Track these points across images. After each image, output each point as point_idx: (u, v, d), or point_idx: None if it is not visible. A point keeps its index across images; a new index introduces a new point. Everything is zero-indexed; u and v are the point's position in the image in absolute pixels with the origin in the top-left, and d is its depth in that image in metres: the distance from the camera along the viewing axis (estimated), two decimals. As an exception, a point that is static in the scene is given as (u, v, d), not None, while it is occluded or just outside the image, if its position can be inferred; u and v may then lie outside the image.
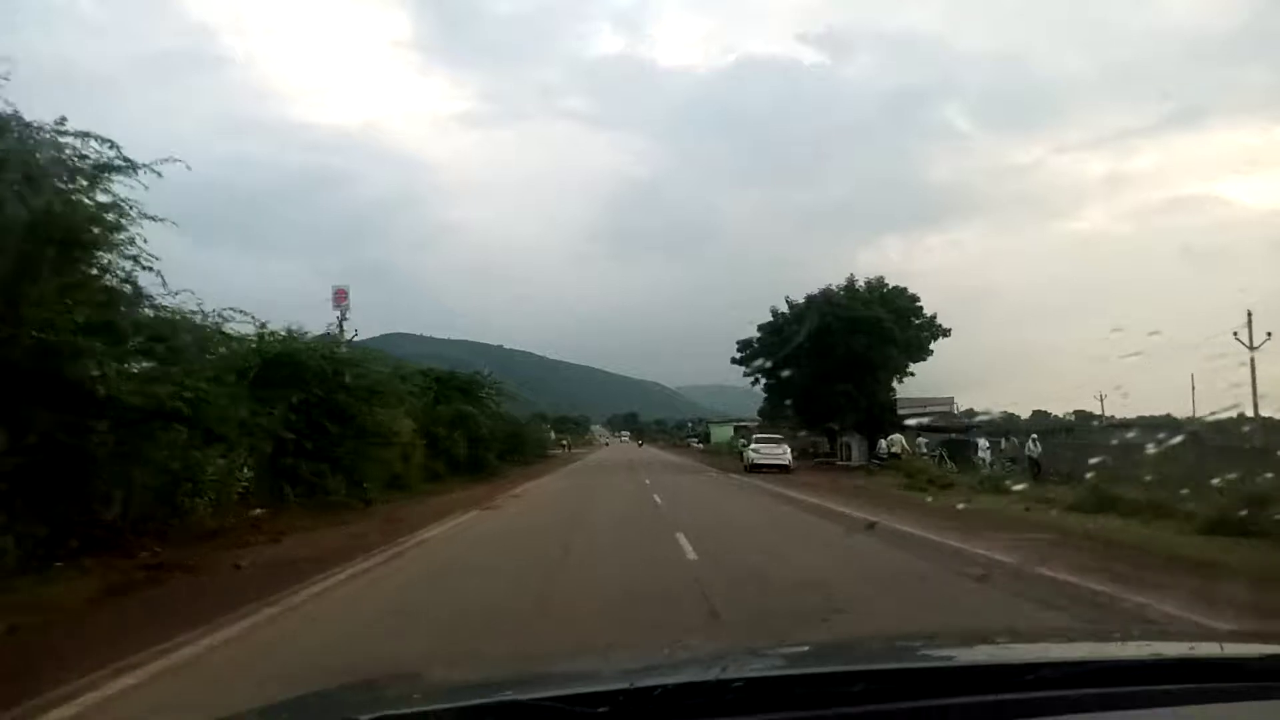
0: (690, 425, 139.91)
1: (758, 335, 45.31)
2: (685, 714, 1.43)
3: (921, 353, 42.72)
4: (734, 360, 46.43)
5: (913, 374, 43.05)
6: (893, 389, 43.27)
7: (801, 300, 43.64)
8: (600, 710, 1.36)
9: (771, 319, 44.71)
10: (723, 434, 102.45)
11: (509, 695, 1.57)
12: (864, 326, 40.64)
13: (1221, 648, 2.12)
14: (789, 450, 37.71)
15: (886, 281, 42.80)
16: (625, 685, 1.47)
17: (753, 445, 39.73)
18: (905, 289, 42.69)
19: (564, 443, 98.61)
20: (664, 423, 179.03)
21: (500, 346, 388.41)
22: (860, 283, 43.01)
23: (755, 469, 37.76)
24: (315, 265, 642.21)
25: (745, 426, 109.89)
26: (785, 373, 43.39)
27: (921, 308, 42.87)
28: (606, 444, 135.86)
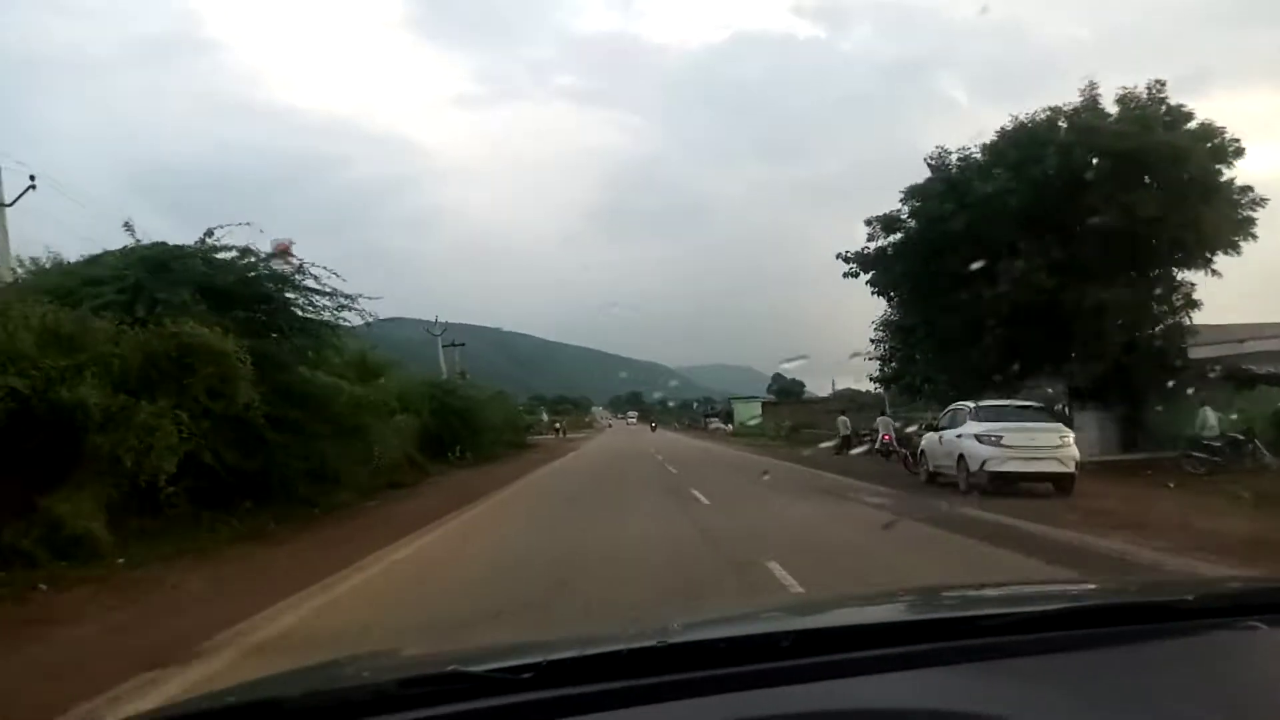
0: (709, 404, 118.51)
1: (900, 214, 23.56)
2: (605, 678, 1.41)
3: (1239, 234, 21.17)
4: (849, 274, 24.60)
5: (1218, 273, 21.51)
6: (1187, 307, 21.84)
7: (990, 137, 22.04)
8: (524, 676, 1.38)
9: (932, 172, 23.07)
10: (748, 411, 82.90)
11: (438, 668, 1.50)
12: (1158, 167, 19.34)
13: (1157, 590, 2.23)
14: (1070, 439, 15.69)
15: (1166, 95, 21.16)
16: (541, 658, 1.46)
17: (972, 430, 16.17)
18: (1206, 122, 21.06)
19: (557, 426, 78.04)
20: (665, 402, 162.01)
21: (498, 329, 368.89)
22: (1112, 99, 21.37)
23: (936, 479, 17.88)
24: (308, 249, 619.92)
25: (771, 402, 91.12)
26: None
27: (1232, 147, 21.20)
28: (609, 425, 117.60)
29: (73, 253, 15.43)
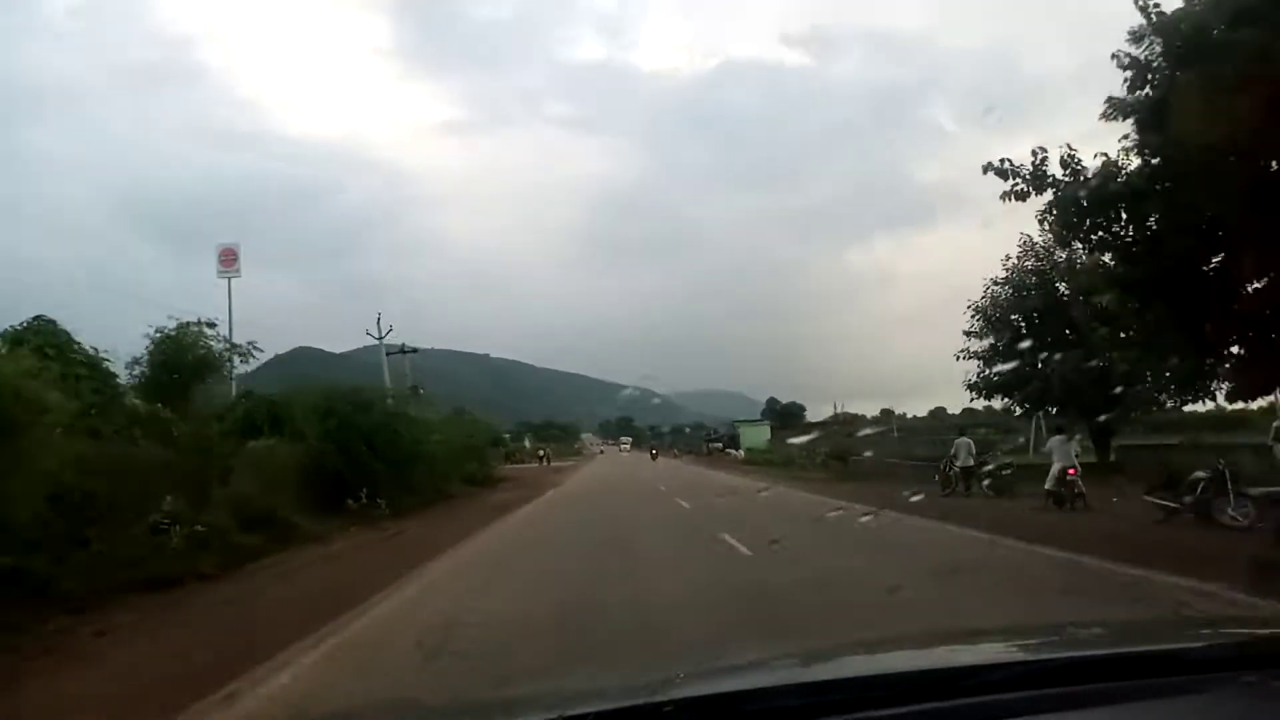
0: (711, 430, 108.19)
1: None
2: None
3: None
4: (1016, 194, 13.73)
5: None
6: None
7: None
8: None
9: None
10: (756, 436, 72.02)
11: None
12: None
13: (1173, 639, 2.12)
14: None
15: None
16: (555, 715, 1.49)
17: None
18: None
19: (541, 454, 67.32)
20: (658, 428, 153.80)
21: (487, 355, 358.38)
22: None
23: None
24: (299, 276, 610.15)
25: (775, 426, 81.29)
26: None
27: None
28: (600, 452, 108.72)
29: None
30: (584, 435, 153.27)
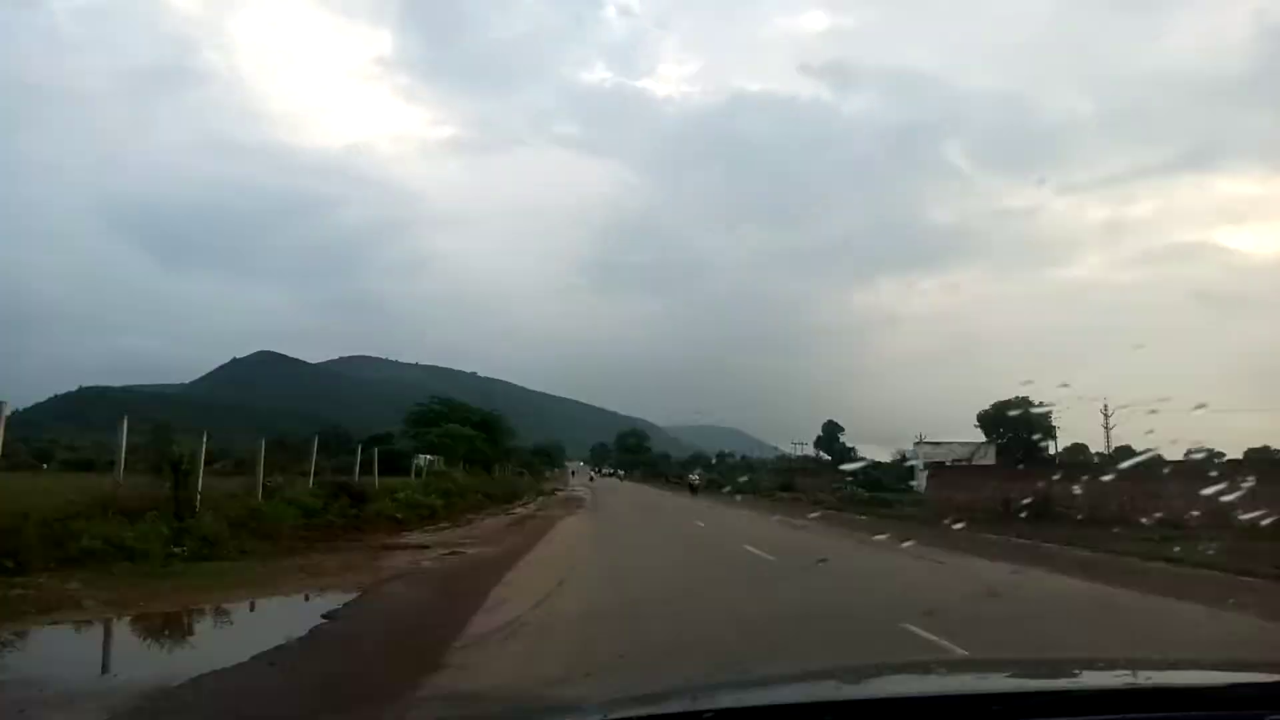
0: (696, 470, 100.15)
1: None
2: None
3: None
4: None
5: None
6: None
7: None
8: None
9: None
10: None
11: None
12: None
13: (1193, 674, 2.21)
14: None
15: None
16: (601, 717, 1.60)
17: None
18: None
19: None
20: (651, 460, 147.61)
21: (474, 374, 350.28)
22: None
23: None
24: (294, 291, 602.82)
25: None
26: None
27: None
28: (573, 473, 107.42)
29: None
30: (571, 463, 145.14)
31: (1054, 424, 49.05)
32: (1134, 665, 2.35)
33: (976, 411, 41.65)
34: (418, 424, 39.62)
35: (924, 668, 2.50)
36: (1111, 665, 2.41)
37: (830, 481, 44.80)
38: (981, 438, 47.05)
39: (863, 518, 30.30)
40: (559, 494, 52.08)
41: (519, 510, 32.95)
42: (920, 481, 46.07)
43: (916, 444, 47.85)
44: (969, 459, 43.21)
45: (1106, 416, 58.57)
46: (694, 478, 56.77)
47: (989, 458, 44.52)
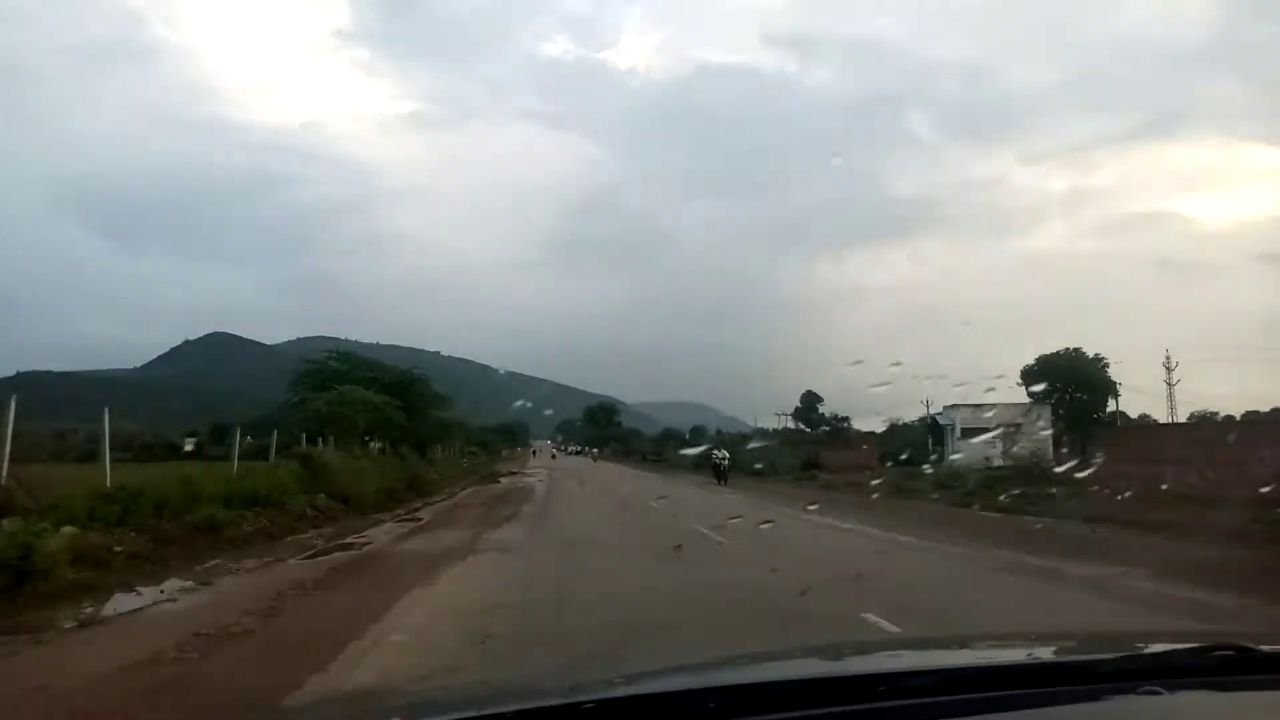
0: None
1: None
2: None
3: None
4: None
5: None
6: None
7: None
8: None
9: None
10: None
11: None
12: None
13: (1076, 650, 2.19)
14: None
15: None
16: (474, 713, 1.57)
17: None
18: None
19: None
20: (622, 437, 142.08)
21: (437, 353, 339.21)
22: None
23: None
24: (252, 272, 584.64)
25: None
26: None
27: None
28: (534, 452, 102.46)
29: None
30: (536, 441, 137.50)
31: (1117, 381, 40.72)
32: (1025, 643, 2.34)
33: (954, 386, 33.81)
34: (310, 388, 29.48)
35: (793, 653, 2.40)
36: (1001, 641, 2.57)
37: (853, 457, 35.71)
38: (1023, 398, 38.63)
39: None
40: (501, 482, 39.45)
41: (336, 555, 14.15)
42: (954, 448, 37.68)
43: (949, 407, 39.32)
44: (1017, 423, 34.93)
45: (1169, 370, 50.70)
46: (720, 456, 40.04)
47: (1043, 421, 36.14)
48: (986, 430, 34.96)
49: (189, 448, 59.97)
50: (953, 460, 33.40)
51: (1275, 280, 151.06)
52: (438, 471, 36.91)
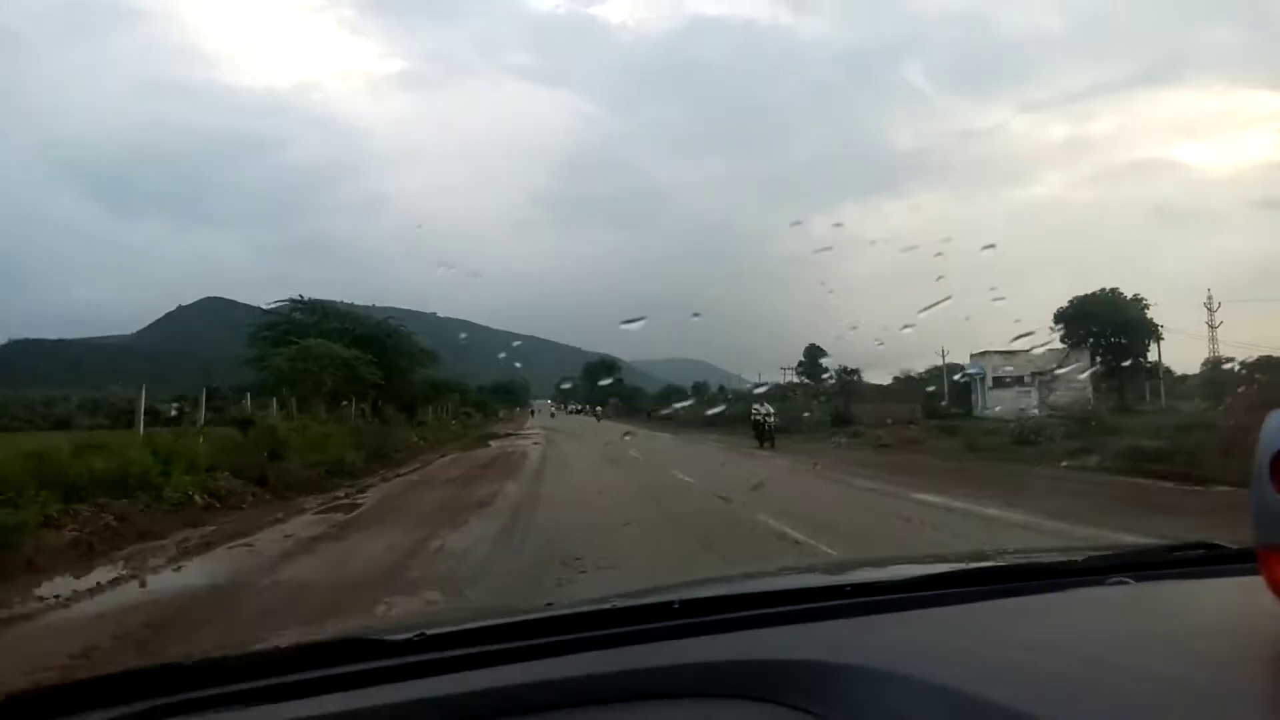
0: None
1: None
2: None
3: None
4: None
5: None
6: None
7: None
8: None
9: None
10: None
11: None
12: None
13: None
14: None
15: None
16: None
17: None
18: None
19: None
20: (623, 394, 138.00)
21: (434, 314, 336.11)
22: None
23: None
24: (245, 235, 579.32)
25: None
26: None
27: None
28: (533, 412, 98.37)
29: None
30: (536, 401, 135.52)
31: (1158, 324, 37.84)
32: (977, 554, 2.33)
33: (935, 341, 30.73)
34: (271, 343, 26.12)
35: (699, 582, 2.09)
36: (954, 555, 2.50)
37: (886, 410, 32.48)
38: (1057, 344, 35.79)
39: None
40: (491, 446, 33.82)
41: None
42: (983, 398, 34.96)
43: (977, 355, 36.41)
44: (1053, 369, 32.14)
45: (1211, 312, 47.69)
46: (765, 412, 31.70)
47: (1082, 366, 33.43)
48: (1019, 380, 32.17)
49: (172, 413, 57.54)
50: (992, 411, 30.63)
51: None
52: (421, 436, 33.06)
